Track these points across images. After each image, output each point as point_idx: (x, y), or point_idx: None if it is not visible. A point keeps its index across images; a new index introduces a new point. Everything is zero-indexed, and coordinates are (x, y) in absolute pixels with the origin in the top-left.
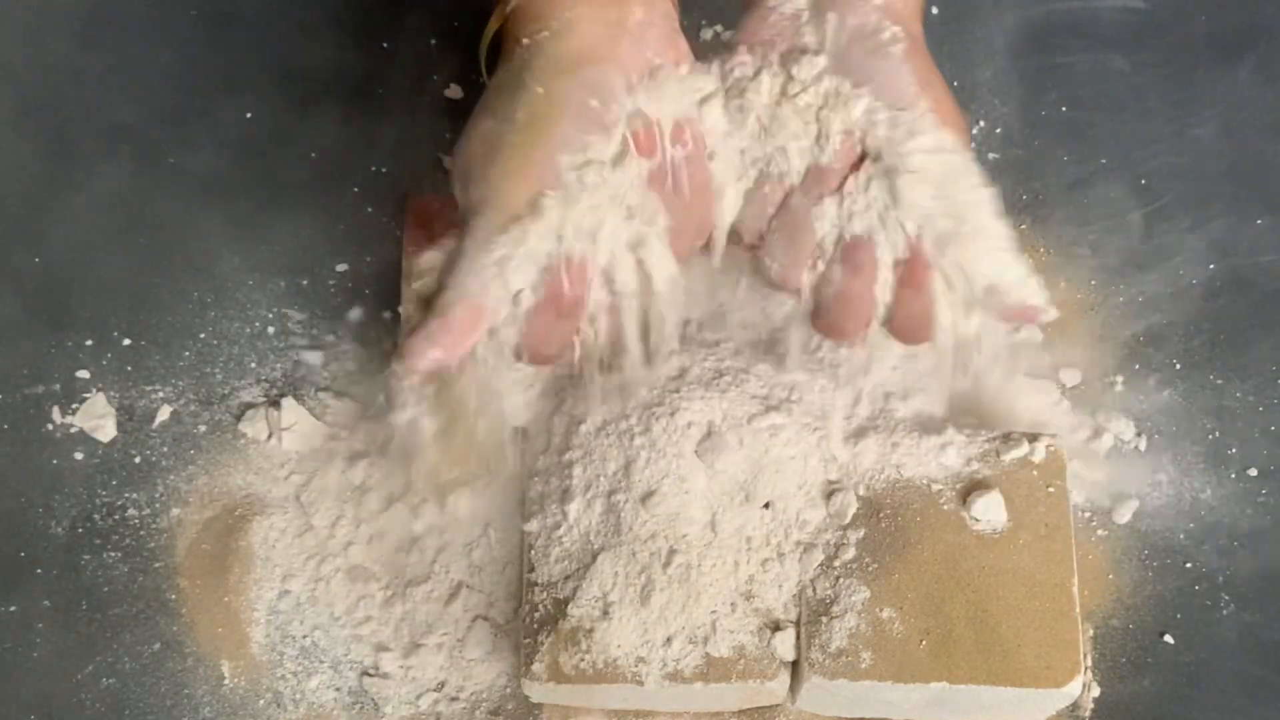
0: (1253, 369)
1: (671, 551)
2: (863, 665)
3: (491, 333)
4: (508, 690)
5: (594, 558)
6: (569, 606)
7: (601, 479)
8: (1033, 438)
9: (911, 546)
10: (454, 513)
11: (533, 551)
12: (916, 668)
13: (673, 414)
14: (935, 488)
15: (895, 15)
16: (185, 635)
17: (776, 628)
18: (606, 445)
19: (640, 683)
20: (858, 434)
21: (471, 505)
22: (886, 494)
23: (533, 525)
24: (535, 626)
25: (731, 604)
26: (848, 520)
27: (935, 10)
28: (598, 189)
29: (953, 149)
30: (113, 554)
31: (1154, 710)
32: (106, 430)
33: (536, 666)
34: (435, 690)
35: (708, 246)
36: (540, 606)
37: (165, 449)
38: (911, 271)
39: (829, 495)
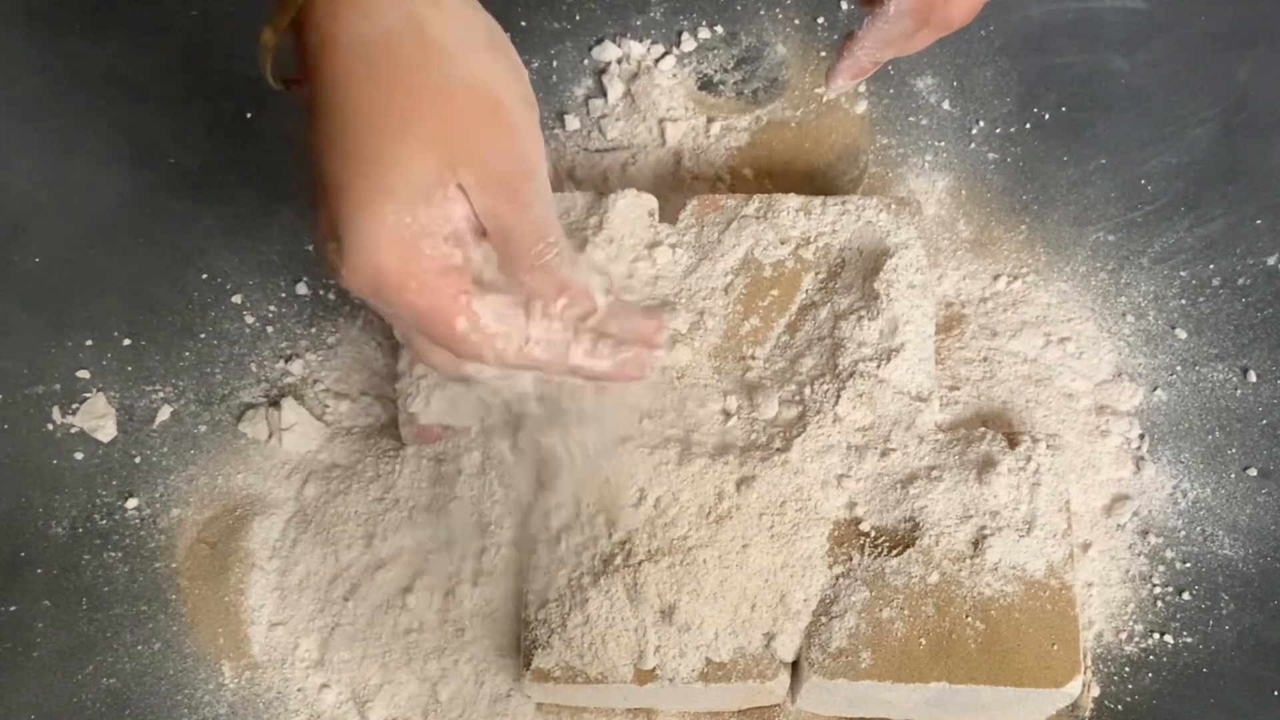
0: (1253, 369)
1: (671, 553)
2: (863, 665)
3: None
4: (509, 690)
5: (595, 561)
6: (569, 606)
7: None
8: (1016, 439)
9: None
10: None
11: (534, 553)
12: (916, 668)
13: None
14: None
15: None
16: (185, 635)
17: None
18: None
19: (640, 683)
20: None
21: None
22: (889, 513)
23: (535, 526)
24: (536, 627)
25: (734, 607)
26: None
27: None
28: None
29: None
30: (113, 554)
31: (1154, 710)
32: (106, 430)
33: (537, 667)
34: (436, 691)
35: None
36: (541, 606)
37: (165, 449)
38: None
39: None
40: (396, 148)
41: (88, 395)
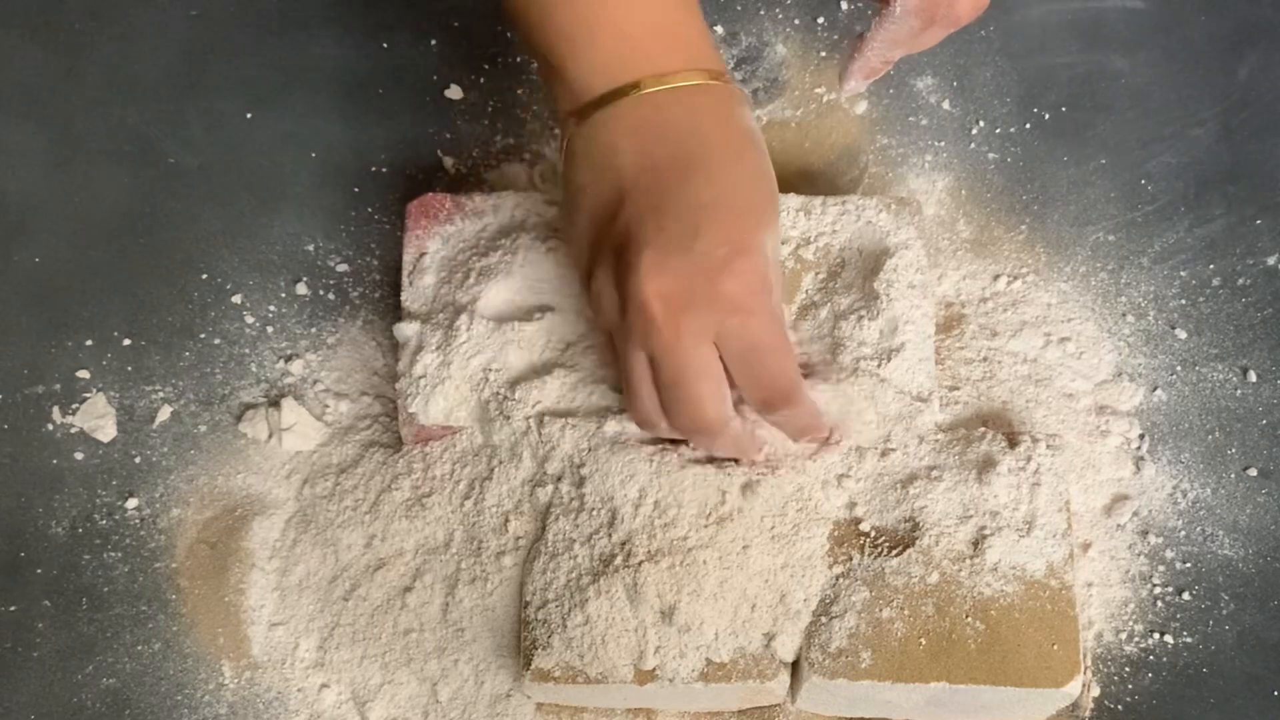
0: (1253, 369)
1: (671, 554)
2: (863, 665)
3: None
4: (509, 690)
5: (595, 560)
6: (569, 606)
7: (604, 488)
8: (1016, 439)
9: (909, 548)
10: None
11: (535, 553)
12: (916, 668)
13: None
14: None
15: None
16: (185, 635)
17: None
18: (612, 458)
19: (640, 683)
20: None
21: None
22: (888, 514)
23: (533, 525)
24: (536, 627)
25: (734, 608)
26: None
27: None
28: None
29: None
30: (113, 554)
31: (1154, 710)
32: (106, 430)
33: (537, 666)
34: (436, 691)
35: None
36: (541, 606)
37: (165, 449)
38: None
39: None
40: (771, 208)
41: (88, 395)
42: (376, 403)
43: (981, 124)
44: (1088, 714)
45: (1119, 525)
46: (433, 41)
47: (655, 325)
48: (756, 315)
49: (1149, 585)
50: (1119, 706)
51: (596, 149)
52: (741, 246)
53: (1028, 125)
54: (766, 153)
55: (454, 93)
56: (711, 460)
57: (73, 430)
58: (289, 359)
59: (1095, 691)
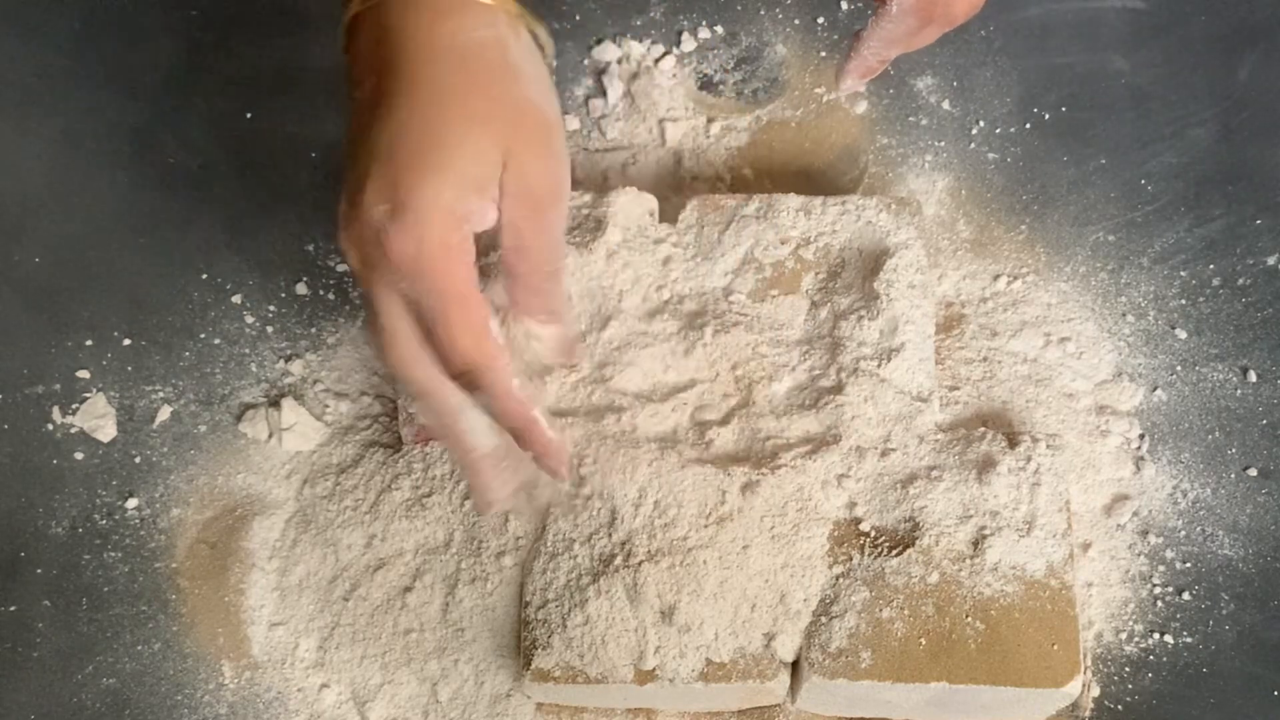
0: (1253, 369)
1: (671, 554)
2: (863, 665)
3: None
4: (509, 690)
5: (595, 559)
6: (569, 606)
7: (606, 486)
8: (1016, 439)
9: (909, 548)
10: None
11: (535, 553)
12: (916, 668)
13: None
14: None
15: None
16: (185, 635)
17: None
18: (615, 457)
19: (640, 683)
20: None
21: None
22: (887, 514)
23: (535, 525)
24: (536, 627)
25: (734, 608)
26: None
27: None
28: None
29: None
30: (113, 554)
31: (1154, 710)
32: (106, 430)
33: (537, 667)
34: (436, 691)
35: None
36: (541, 606)
37: (165, 449)
38: None
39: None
40: (466, 139)
41: (88, 395)
42: (376, 403)
43: (981, 124)
44: (1088, 714)
45: (1119, 525)
46: None
47: (356, 275)
48: (423, 279)
49: (1149, 585)
50: (1119, 706)
51: (348, 49)
52: (399, 204)
53: (1028, 125)
54: (516, 84)
55: None
56: (712, 460)
57: (73, 430)
58: (289, 359)
59: (1095, 691)
